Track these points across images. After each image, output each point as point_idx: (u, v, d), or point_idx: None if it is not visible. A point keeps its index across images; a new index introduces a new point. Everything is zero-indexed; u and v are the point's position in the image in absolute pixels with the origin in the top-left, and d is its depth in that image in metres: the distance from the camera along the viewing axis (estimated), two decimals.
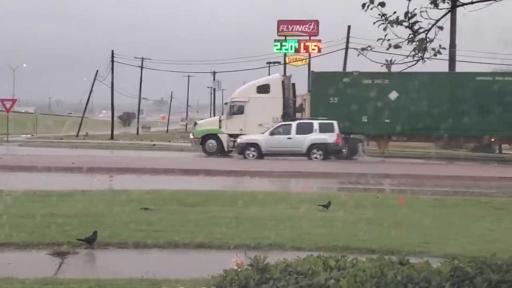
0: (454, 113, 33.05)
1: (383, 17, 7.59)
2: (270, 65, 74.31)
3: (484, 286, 4.45)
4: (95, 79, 70.86)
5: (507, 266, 4.94)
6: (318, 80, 36.62)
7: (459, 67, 43.87)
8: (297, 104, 40.07)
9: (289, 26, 65.56)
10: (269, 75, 72.15)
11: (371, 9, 7.51)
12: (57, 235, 10.22)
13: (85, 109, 73.04)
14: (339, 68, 55.61)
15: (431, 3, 7.56)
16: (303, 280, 4.55)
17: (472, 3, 7.57)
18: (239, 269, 5.12)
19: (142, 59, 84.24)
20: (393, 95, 33.46)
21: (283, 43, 65.36)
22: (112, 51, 69.54)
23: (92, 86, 71.23)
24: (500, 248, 9.47)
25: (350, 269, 4.70)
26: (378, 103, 33.37)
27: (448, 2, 7.73)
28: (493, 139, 35.44)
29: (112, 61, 69.26)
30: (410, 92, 33.09)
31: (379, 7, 7.49)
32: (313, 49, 65.39)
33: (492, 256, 5.19)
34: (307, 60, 66.78)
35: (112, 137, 61.49)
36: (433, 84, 33.58)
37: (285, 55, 67.48)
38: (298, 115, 39.34)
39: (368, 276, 4.48)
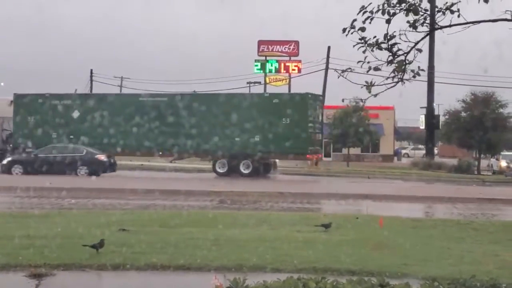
0: (122, 130, 36.85)
1: (362, 40, 7.66)
2: (251, 85, 74.45)
3: None
4: None
5: None
6: (18, 101, 38.76)
7: (438, 89, 44.33)
8: None
9: (270, 46, 65.91)
10: None
11: (352, 33, 7.59)
12: (34, 257, 10.08)
13: None
14: (320, 89, 55.92)
15: (410, 26, 7.64)
16: None
17: (450, 26, 7.66)
18: None
19: (122, 78, 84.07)
20: (75, 114, 37.86)
21: (265, 63, 65.62)
22: (91, 70, 69.49)
23: None
24: (480, 270, 9.50)
25: None
26: (64, 121, 37.60)
27: (426, 25, 7.82)
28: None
29: (91, 80, 69.12)
30: (88, 112, 37.30)
31: (359, 31, 7.56)
32: (293, 70, 65.75)
33: (472, 278, 5.19)
34: (288, 80, 67.09)
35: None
36: (108, 104, 37.91)
37: (265, 75, 67.72)
38: None
39: None
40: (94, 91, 67.77)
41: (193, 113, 35.95)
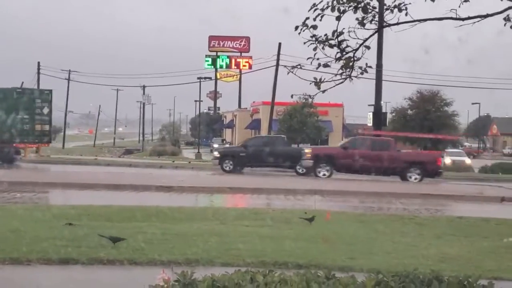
0: None
1: (314, 38, 7.76)
2: (201, 80, 74.29)
3: None
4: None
5: (429, 280, 5.08)
6: None
7: (386, 87, 45.01)
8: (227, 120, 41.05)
9: (220, 42, 65.88)
10: (199, 90, 72.04)
11: (304, 31, 7.68)
12: None
13: None
14: (270, 85, 56.10)
15: (358, 23, 7.77)
16: None
17: (397, 24, 7.81)
18: (166, 285, 5.07)
19: (69, 71, 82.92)
20: None
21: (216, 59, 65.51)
22: (38, 62, 68.29)
23: None
24: (423, 263, 9.73)
25: (278, 283, 4.73)
26: None
27: (375, 23, 7.97)
28: None
29: (38, 73, 67.90)
30: None
31: (311, 29, 7.66)
32: (244, 66, 65.86)
33: (415, 270, 5.32)
34: (238, 76, 67.12)
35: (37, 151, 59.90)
36: None
37: (216, 70, 67.61)
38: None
39: None
40: (42, 85, 66.58)
41: None
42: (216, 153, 38.74)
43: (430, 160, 34.49)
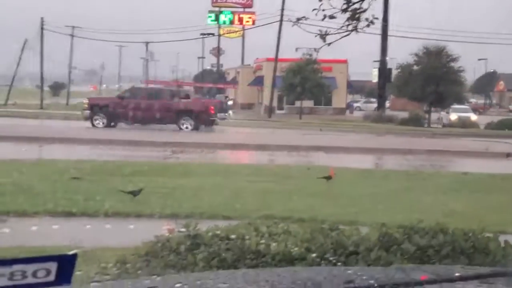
0: None
1: None
2: (204, 36, 73.73)
3: (412, 250, 4.54)
4: (24, 47, 68.88)
5: (434, 232, 5.07)
6: None
7: (391, 43, 44.61)
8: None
9: None
10: (202, 47, 71.50)
11: None
12: None
13: (14, 77, 70.94)
14: (274, 41, 55.65)
15: None
16: (234, 245, 4.54)
17: None
18: (170, 235, 5.07)
19: (73, 27, 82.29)
20: None
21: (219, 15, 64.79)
22: (42, 18, 67.69)
23: (21, 55, 69.26)
24: (427, 218, 9.73)
25: (281, 234, 4.72)
26: None
27: None
28: None
29: (42, 29, 67.43)
30: None
31: None
32: (247, 21, 65.19)
33: (419, 222, 5.30)
34: (242, 32, 66.54)
35: (41, 107, 60.03)
36: None
37: (219, 26, 66.92)
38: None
39: (299, 241, 4.51)
40: (46, 41, 66.23)
41: None
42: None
43: (202, 109, 34.02)
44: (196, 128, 33.19)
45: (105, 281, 1.75)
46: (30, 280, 1.11)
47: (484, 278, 1.82)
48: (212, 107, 34.88)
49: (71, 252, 1.20)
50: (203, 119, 33.80)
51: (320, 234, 4.64)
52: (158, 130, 31.75)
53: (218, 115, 37.24)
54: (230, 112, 42.93)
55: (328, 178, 14.05)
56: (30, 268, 1.11)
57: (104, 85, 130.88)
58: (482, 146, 27.54)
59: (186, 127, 33.13)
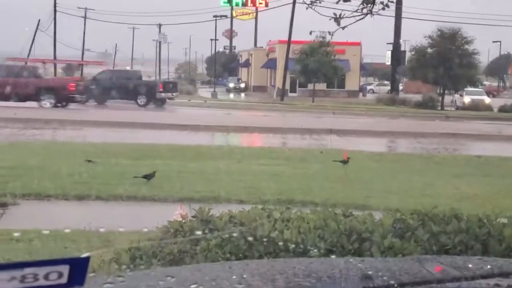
0: None
1: None
2: (217, 18, 73.47)
3: (426, 237, 4.52)
4: (37, 29, 69.05)
5: (448, 218, 5.03)
6: None
7: (405, 25, 44.29)
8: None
9: None
10: (215, 29, 71.35)
11: None
12: None
13: (27, 59, 71.10)
14: (287, 23, 55.41)
15: None
16: (247, 231, 4.54)
17: None
18: (183, 221, 5.07)
19: (86, 9, 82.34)
20: None
21: None
22: (54, 0, 67.68)
23: (34, 36, 69.42)
24: (441, 202, 9.69)
25: (295, 220, 4.71)
26: None
27: None
28: None
29: (55, 11, 67.48)
30: None
31: None
32: (260, 3, 64.87)
33: (434, 208, 5.27)
34: (254, 14, 66.25)
35: None
36: None
37: (232, 8, 66.67)
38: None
39: (312, 227, 4.49)
40: (58, 23, 66.31)
41: None
42: None
43: (60, 86, 34.84)
44: (57, 105, 33.77)
45: (118, 283, 1.74)
46: (42, 282, 1.11)
47: (505, 275, 1.80)
48: (72, 85, 35.56)
49: (83, 255, 1.20)
50: (62, 96, 34.31)
51: (333, 220, 4.63)
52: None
53: (164, 94, 39.87)
54: (177, 93, 44.32)
55: (344, 161, 13.99)
56: (42, 271, 1.11)
57: (127, 67, 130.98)
58: (496, 129, 27.38)
59: (46, 104, 33.70)
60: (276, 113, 38.12)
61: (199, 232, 4.59)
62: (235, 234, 4.37)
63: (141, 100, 38.99)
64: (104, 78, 40.83)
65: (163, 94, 39.98)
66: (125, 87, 38.75)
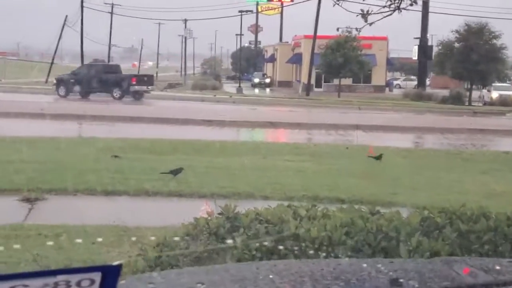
0: None
1: None
2: (243, 13, 73.43)
3: (454, 236, 4.47)
4: (64, 24, 69.55)
5: (476, 217, 4.97)
6: None
7: (432, 19, 43.87)
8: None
9: None
10: (241, 24, 71.40)
11: None
12: (26, 182, 10.08)
13: (54, 55, 71.76)
14: (312, 18, 55.19)
15: None
16: (273, 229, 4.53)
17: None
18: (209, 218, 5.08)
19: (112, 5, 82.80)
20: None
21: None
22: None
23: (61, 32, 69.96)
24: (469, 199, 9.59)
25: (320, 218, 4.69)
26: None
27: None
28: None
29: (82, 6, 67.96)
30: None
31: None
32: None
33: (462, 206, 5.21)
34: (280, 9, 66.10)
35: None
36: None
37: (257, 3, 66.60)
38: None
39: (338, 225, 4.47)
40: (85, 18, 66.83)
41: None
42: (54, 80, 45.06)
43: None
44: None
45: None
46: None
47: None
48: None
49: (115, 263, 1.21)
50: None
51: (360, 218, 4.60)
52: None
53: (138, 87, 42.73)
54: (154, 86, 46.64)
55: (378, 157, 13.88)
56: (74, 278, 1.12)
57: (150, 63, 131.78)
58: None
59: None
60: (302, 109, 38.03)
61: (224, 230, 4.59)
62: (261, 232, 4.36)
63: (116, 93, 41.23)
64: (82, 72, 43.21)
65: (137, 87, 41.81)
66: (101, 81, 41.18)
